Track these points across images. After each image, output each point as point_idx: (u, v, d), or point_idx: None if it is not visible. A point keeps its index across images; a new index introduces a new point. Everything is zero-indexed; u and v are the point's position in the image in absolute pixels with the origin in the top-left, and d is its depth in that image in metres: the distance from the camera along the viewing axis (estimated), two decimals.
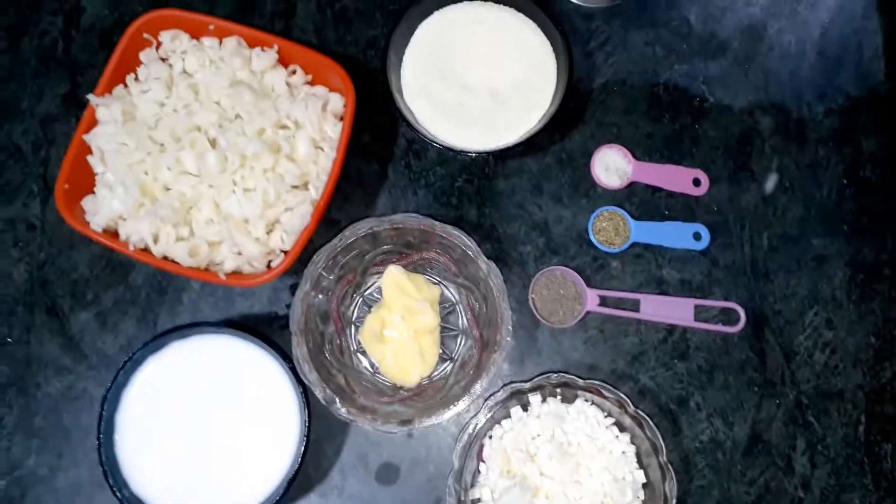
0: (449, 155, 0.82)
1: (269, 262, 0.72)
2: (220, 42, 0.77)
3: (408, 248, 0.76)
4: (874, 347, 0.78)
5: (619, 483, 0.70)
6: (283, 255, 0.72)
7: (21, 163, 0.81)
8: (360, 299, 0.78)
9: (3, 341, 0.77)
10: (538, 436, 0.72)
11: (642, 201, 0.81)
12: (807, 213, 0.81)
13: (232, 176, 0.72)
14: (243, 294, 0.78)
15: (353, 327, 0.77)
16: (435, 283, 0.77)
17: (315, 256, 0.71)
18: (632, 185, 0.81)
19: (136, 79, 0.76)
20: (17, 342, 0.77)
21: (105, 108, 0.73)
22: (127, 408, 0.69)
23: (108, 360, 0.77)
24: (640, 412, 0.71)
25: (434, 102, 0.79)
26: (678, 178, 0.81)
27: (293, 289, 0.77)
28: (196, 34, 0.77)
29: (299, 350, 0.69)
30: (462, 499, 0.71)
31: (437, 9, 0.81)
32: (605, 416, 0.73)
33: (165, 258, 0.71)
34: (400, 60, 0.81)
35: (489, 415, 0.73)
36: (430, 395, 0.73)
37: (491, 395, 0.73)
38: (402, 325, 0.73)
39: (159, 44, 0.77)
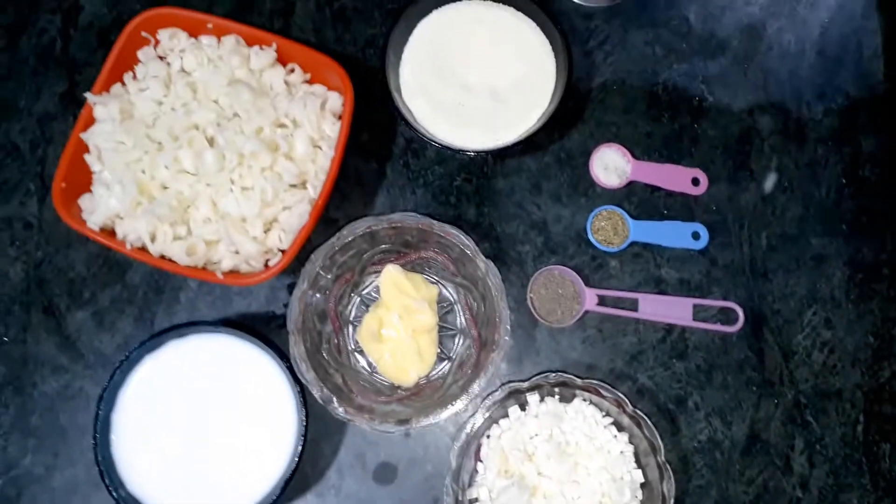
0: (447, 154, 0.82)
1: (267, 261, 0.72)
2: (219, 40, 0.77)
3: (406, 247, 0.76)
4: (873, 347, 0.78)
5: (617, 483, 0.70)
6: (280, 254, 0.72)
7: (18, 161, 0.81)
8: (358, 298, 0.78)
9: (0, 340, 0.77)
10: (536, 435, 0.72)
11: (641, 201, 0.81)
12: (806, 213, 0.81)
13: (230, 175, 0.72)
14: (241, 293, 0.78)
15: (350, 326, 0.77)
16: (433, 283, 0.77)
17: (313, 255, 0.71)
18: (631, 185, 0.81)
19: (134, 77, 0.76)
20: (13, 341, 0.77)
21: (102, 106, 0.73)
22: (123, 407, 0.69)
23: (104, 360, 0.76)
24: (639, 412, 0.71)
25: (433, 101, 0.79)
26: (677, 178, 0.81)
27: (291, 288, 0.76)
28: (194, 32, 0.77)
29: (297, 349, 0.69)
30: (460, 498, 0.70)
31: (436, 7, 0.81)
32: (604, 416, 0.73)
33: (163, 257, 0.71)
34: (399, 59, 0.80)
35: (487, 414, 0.73)
36: (428, 394, 0.73)
37: (489, 395, 0.73)
38: (399, 325, 0.73)
39: (157, 42, 0.77)
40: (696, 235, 0.79)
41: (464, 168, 0.81)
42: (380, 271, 0.75)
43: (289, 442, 0.68)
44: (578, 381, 0.73)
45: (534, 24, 0.81)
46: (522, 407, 0.74)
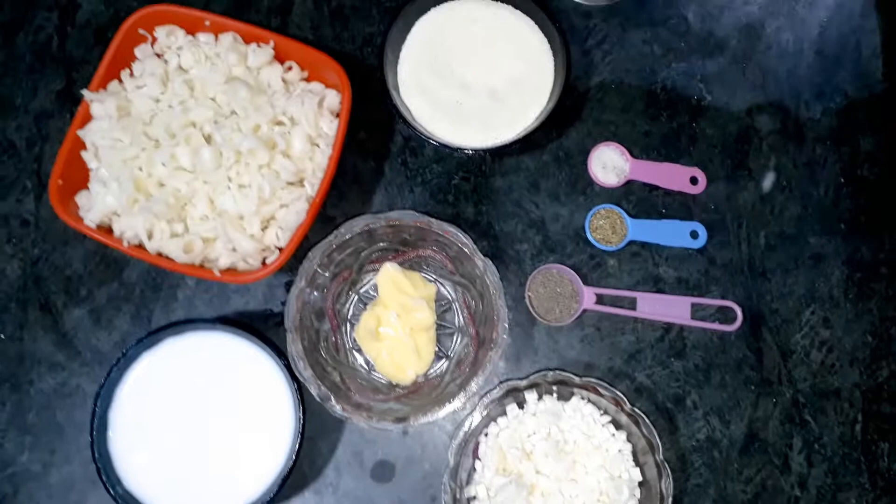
0: (446, 152, 0.81)
1: (264, 258, 0.72)
2: (216, 38, 0.77)
3: (404, 245, 0.76)
4: (871, 346, 0.78)
5: (615, 481, 0.70)
6: (278, 251, 0.72)
7: (15, 158, 0.81)
8: (356, 297, 0.77)
9: None
10: (534, 433, 0.72)
11: (639, 199, 0.81)
12: (804, 212, 0.81)
13: (227, 172, 0.72)
14: (238, 291, 0.78)
15: (348, 325, 0.77)
16: (431, 281, 0.77)
17: (310, 253, 0.71)
18: (629, 184, 0.81)
19: (132, 75, 0.76)
20: (10, 339, 0.77)
21: (99, 103, 0.73)
22: (120, 404, 0.69)
23: (101, 357, 0.76)
24: (637, 410, 0.71)
25: (431, 99, 0.79)
26: (675, 177, 0.81)
27: (288, 286, 0.76)
28: (192, 30, 0.77)
29: (294, 347, 0.69)
30: (457, 496, 0.70)
31: (434, 6, 0.81)
32: (602, 414, 0.73)
33: (160, 254, 0.71)
34: (397, 57, 0.80)
35: (485, 412, 0.72)
36: (426, 392, 0.73)
37: (487, 393, 0.73)
38: (397, 323, 0.73)
39: (154, 39, 0.77)
40: (694, 234, 0.79)
41: (462, 166, 0.81)
42: (378, 269, 0.75)
43: (286, 439, 0.68)
44: (577, 379, 0.72)
45: (532, 23, 0.81)
46: (520, 405, 0.73)
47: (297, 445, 0.67)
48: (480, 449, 0.72)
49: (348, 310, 0.77)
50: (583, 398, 0.73)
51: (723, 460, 0.76)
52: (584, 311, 0.78)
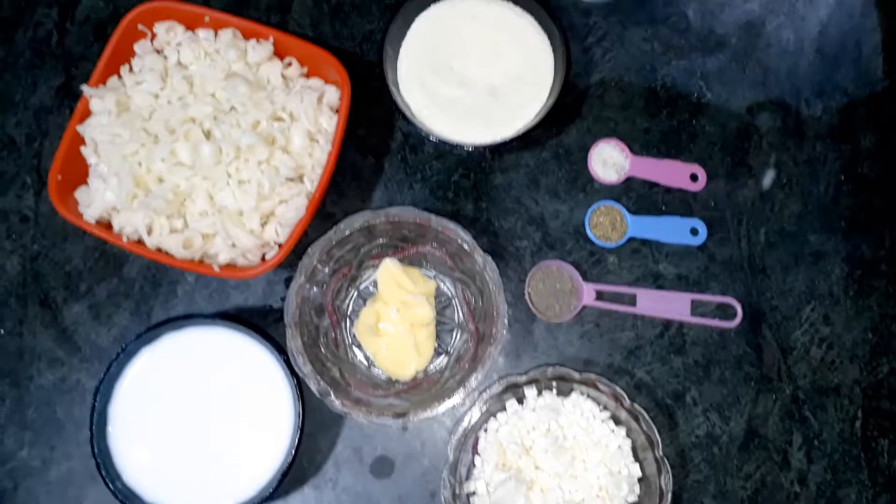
0: (445, 149, 0.81)
1: (264, 254, 0.72)
2: (216, 34, 0.77)
3: (403, 241, 0.76)
4: (871, 343, 0.78)
5: (614, 477, 0.70)
6: (277, 247, 0.72)
7: (14, 154, 0.81)
8: (356, 293, 0.77)
9: None
10: (533, 429, 0.72)
11: (639, 196, 0.81)
12: (804, 209, 0.81)
13: (226, 168, 0.72)
14: (238, 287, 0.78)
15: (348, 320, 0.77)
16: (431, 277, 0.77)
17: (310, 249, 0.71)
18: (629, 180, 0.81)
19: (131, 70, 0.76)
20: (9, 334, 0.77)
21: (99, 99, 0.73)
22: (120, 400, 0.69)
23: (101, 353, 0.76)
24: (637, 406, 0.71)
25: (431, 96, 0.79)
26: (675, 174, 0.81)
27: (288, 282, 0.76)
28: (191, 26, 0.77)
29: (294, 343, 0.69)
30: (457, 492, 0.70)
31: (434, 2, 0.81)
32: (601, 410, 0.73)
33: (159, 250, 0.71)
34: (396, 54, 0.80)
35: (484, 408, 0.72)
36: (426, 388, 0.73)
37: (486, 389, 0.73)
38: (397, 319, 0.73)
39: (154, 35, 0.77)
40: (694, 231, 0.79)
41: (462, 163, 0.81)
42: (377, 265, 0.75)
43: (285, 435, 0.68)
44: (576, 375, 0.72)
45: (532, 20, 0.81)
46: (520, 401, 0.73)
47: (297, 441, 0.68)
48: (480, 444, 0.72)
49: (348, 306, 0.77)
50: (582, 394, 0.73)
51: (722, 456, 0.76)
52: (584, 307, 0.78)
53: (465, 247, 0.71)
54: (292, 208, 0.72)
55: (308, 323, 0.72)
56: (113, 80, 0.75)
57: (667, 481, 0.69)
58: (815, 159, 0.83)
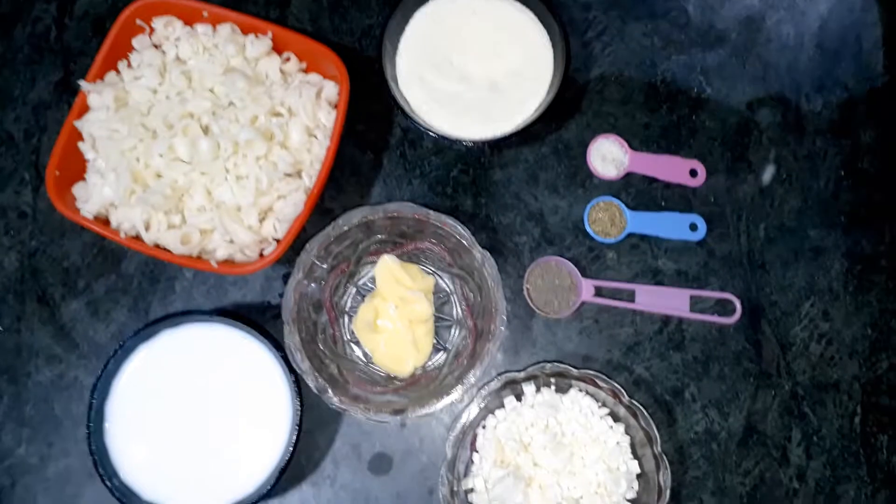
0: (444, 144, 0.81)
1: (262, 250, 0.72)
2: (214, 29, 0.77)
3: (402, 237, 0.76)
4: (870, 339, 0.78)
5: (613, 473, 0.70)
6: (275, 243, 0.71)
7: (13, 150, 0.81)
8: (354, 289, 0.77)
9: None
10: (532, 426, 0.72)
11: (639, 192, 0.81)
12: (804, 205, 0.81)
13: (224, 163, 0.71)
14: (236, 283, 0.78)
15: (346, 317, 0.77)
16: (429, 273, 0.77)
17: (308, 245, 0.71)
18: (628, 176, 0.81)
19: (129, 65, 0.76)
20: (7, 331, 0.77)
21: (97, 94, 0.73)
22: (117, 396, 0.69)
23: (99, 349, 0.76)
24: (635, 402, 0.71)
25: (429, 91, 0.79)
26: (675, 169, 0.81)
27: (286, 278, 0.76)
28: (189, 21, 0.77)
29: (292, 339, 0.69)
30: (455, 489, 0.70)
31: None
32: (600, 407, 0.73)
33: (157, 246, 0.71)
34: (395, 49, 0.80)
35: (483, 404, 0.72)
36: (424, 384, 0.73)
37: (485, 385, 0.73)
38: (395, 315, 0.73)
39: (152, 30, 0.76)
40: (693, 227, 0.79)
41: (461, 159, 0.81)
42: (376, 261, 0.75)
43: (283, 432, 0.68)
44: (575, 371, 0.72)
45: (531, 15, 0.80)
46: (518, 397, 0.73)
47: (295, 437, 0.67)
48: (478, 441, 0.72)
49: (346, 302, 0.77)
50: (581, 390, 0.73)
51: (721, 452, 0.75)
52: (583, 303, 0.77)
53: (464, 243, 0.71)
54: (290, 204, 0.71)
55: (306, 319, 0.71)
56: (111, 76, 0.75)
57: (665, 478, 0.69)
58: (815, 154, 0.82)
